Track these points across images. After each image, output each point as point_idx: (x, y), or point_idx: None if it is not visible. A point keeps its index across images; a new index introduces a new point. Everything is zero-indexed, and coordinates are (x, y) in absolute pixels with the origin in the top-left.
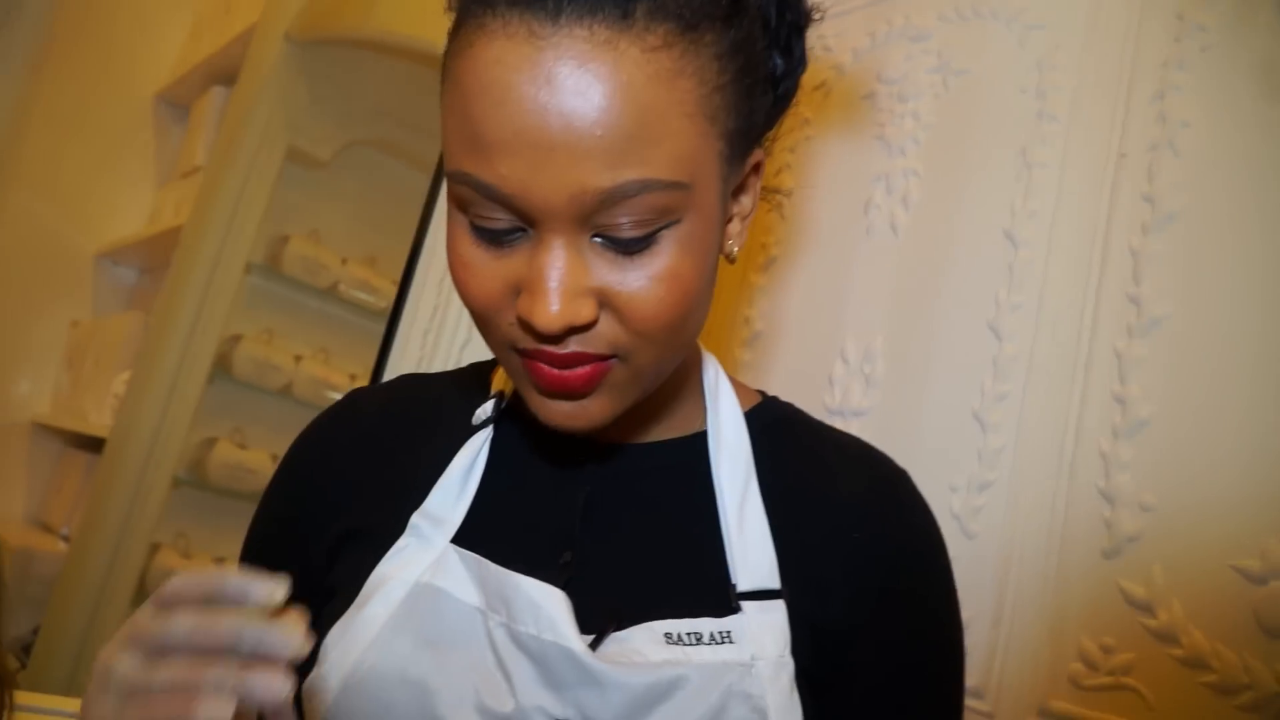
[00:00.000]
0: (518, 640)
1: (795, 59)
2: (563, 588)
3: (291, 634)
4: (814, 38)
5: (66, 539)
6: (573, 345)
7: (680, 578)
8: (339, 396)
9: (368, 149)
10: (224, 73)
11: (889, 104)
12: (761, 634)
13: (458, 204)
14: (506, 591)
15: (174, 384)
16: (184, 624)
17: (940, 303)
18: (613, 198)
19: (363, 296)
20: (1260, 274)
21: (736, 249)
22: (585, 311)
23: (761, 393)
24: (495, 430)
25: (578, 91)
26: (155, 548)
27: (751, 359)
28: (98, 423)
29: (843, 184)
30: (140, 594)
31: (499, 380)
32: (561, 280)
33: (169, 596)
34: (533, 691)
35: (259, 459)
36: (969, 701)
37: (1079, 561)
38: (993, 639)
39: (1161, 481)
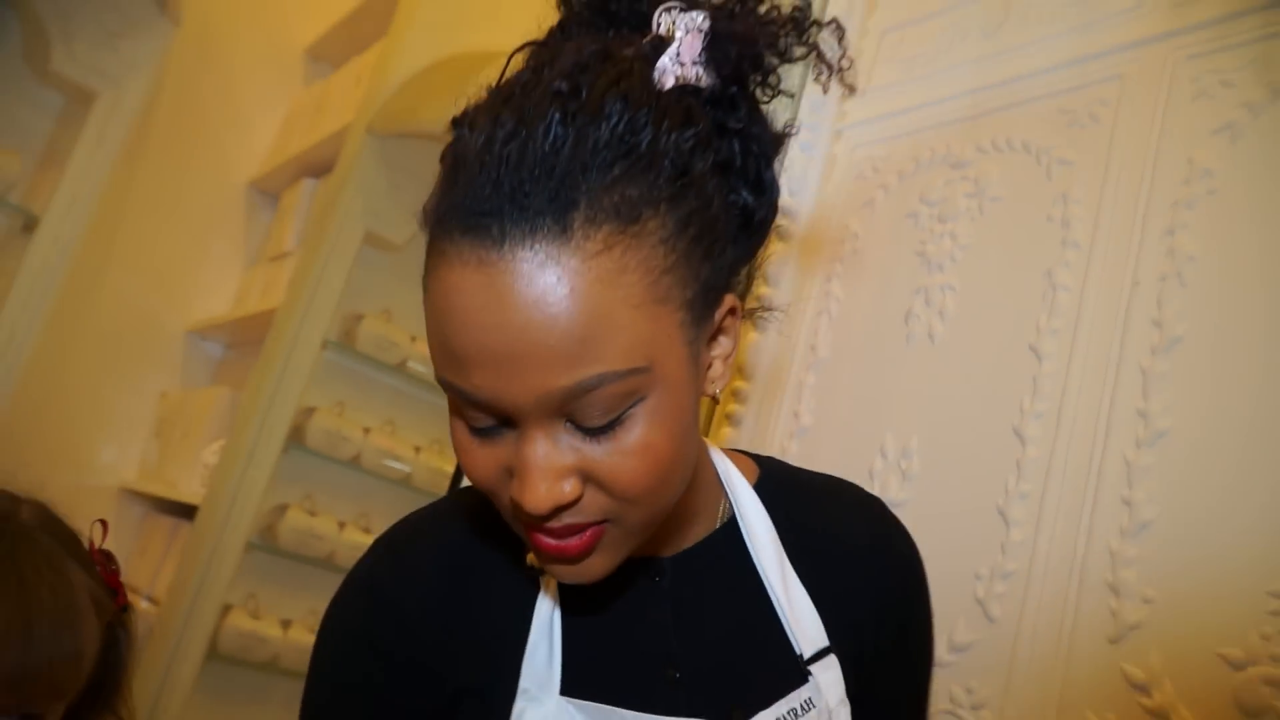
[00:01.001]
0: None
1: (766, 187)
2: (685, 709)
3: None
4: (863, 158)
5: (150, 601)
6: (565, 518)
7: (763, 663)
8: (403, 466)
9: None
10: (313, 166)
11: (930, 224)
12: (829, 690)
13: (450, 404)
14: None
15: (253, 453)
16: None
17: (971, 407)
18: (574, 394)
19: (429, 372)
20: (1255, 395)
21: (719, 389)
22: (569, 490)
23: (750, 455)
24: None
25: (528, 306)
26: (226, 608)
27: (800, 451)
28: (185, 490)
29: (886, 295)
30: (211, 653)
31: None
32: (542, 467)
33: None
34: None
35: (327, 525)
36: None
37: (1087, 646)
38: (1006, 713)
39: (1162, 577)
